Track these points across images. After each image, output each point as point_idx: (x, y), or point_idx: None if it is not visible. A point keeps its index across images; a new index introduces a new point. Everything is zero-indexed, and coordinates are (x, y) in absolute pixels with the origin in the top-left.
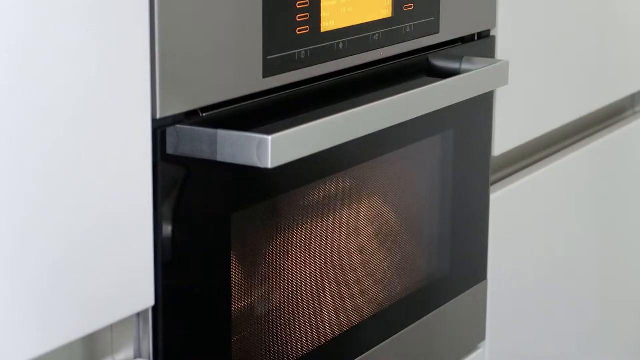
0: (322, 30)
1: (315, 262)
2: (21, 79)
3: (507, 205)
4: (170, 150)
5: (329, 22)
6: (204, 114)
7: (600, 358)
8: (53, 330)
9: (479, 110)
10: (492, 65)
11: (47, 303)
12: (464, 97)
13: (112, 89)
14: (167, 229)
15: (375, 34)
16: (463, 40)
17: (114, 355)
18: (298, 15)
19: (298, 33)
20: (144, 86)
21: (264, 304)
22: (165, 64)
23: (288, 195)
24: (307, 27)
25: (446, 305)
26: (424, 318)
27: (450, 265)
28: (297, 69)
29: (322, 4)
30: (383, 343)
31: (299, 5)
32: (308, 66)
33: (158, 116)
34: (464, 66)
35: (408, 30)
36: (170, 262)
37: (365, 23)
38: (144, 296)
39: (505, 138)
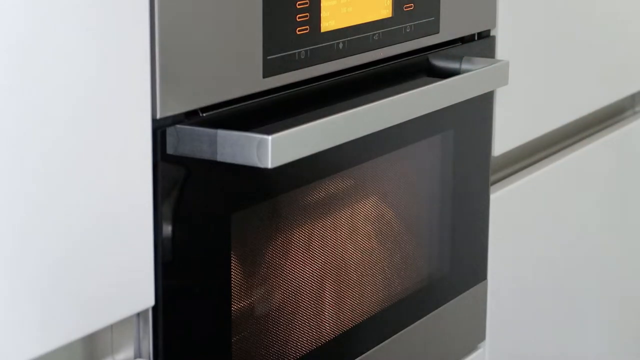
0: (322, 30)
1: (315, 262)
2: (21, 79)
3: (507, 205)
4: (170, 150)
5: (329, 22)
6: (204, 114)
7: (600, 358)
8: (53, 330)
9: (479, 110)
10: (492, 65)
11: (47, 303)
12: (464, 97)
13: (112, 89)
14: (167, 229)
15: (375, 34)
16: (463, 40)
17: (114, 355)
18: (298, 15)
19: (298, 33)
20: (144, 86)
21: (264, 304)
22: (165, 64)
23: (288, 195)
24: (307, 27)
25: (446, 305)
26: (424, 318)
27: (450, 265)
28: (297, 69)
29: (322, 4)
30: (383, 343)
31: (299, 5)
32: (308, 66)
33: (158, 116)
34: (464, 66)
35: (408, 30)
36: (170, 262)
37: (365, 23)
38: (144, 296)
39: (505, 138)
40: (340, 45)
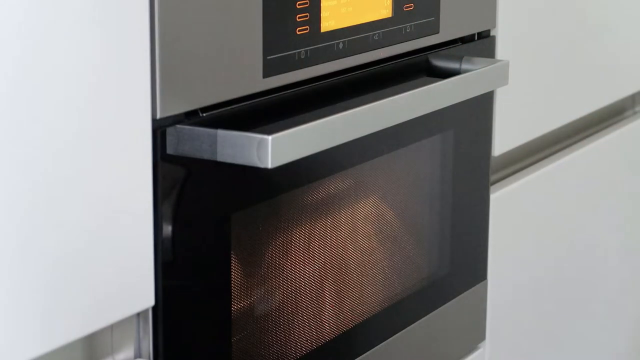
0: (322, 30)
1: (315, 262)
2: (21, 79)
3: (507, 205)
4: (170, 150)
5: (329, 22)
6: (204, 114)
7: (600, 358)
8: (53, 330)
9: (479, 110)
10: (492, 65)
11: (47, 303)
12: (464, 97)
13: (112, 89)
14: (167, 229)
15: (375, 34)
16: (463, 40)
17: (114, 355)
18: (298, 15)
19: (298, 33)
20: (144, 86)
21: (264, 304)
22: (165, 64)
23: (288, 195)
24: (307, 27)
25: (446, 305)
26: (424, 318)
27: (450, 265)
28: (297, 69)
29: (322, 4)
30: (383, 343)
31: (299, 5)
32: (308, 66)
33: (158, 116)
34: (464, 66)
35: (408, 30)
36: (170, 262)
37: (365, 23)
38: (144, 296)
39: (505, 138)
40: (340, 45)
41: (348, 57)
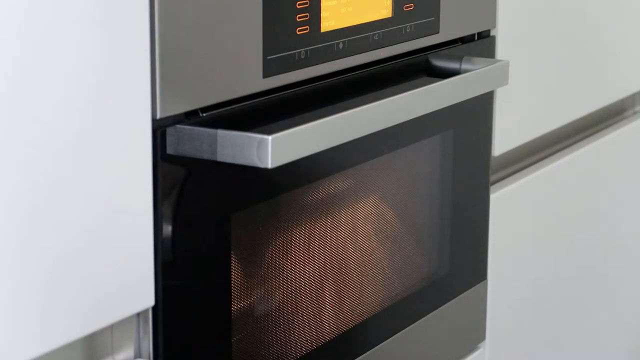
0: (322, 30)
1: (315, 262)
2: (21, 79)
3: (507, 205)
4: (170, 150)
5: (329, 22)
6: (204, 114)
7: (600, 358)
8: (53, 330)
9: (479, 110)
10: (492, 65)
11: (47, 303)
12: (464, 97)
13: (112, 89)
14: (167, 229)
15: (375, 34)
16: (463, 40)
17: (114, 355)
18: (298, 15)
19: (298, 33)
20: (144, 86)
21: (264, 304)
22: (165, 64)
23: (288, 195)
24: (307, 27)
25: (446, 305)
26: (424, 318)
27: (450, 265)
28: (297, 69)
29: (322, 4)
30: (383, 343)
31: (299, 5)
32: (308, 66)
33: (158, 116)
34: (464, 66)
35: (408, 30)
36: (170, 262)
37: (365, 23)
38: (144, 296)
39: (505, 138)
40: (340, 45)
41: (348, 57)
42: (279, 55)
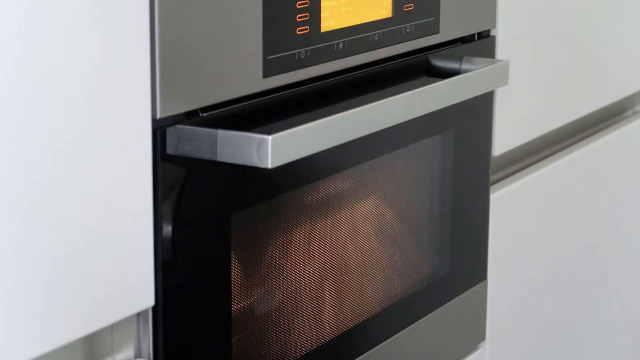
0: (322, 30)
1: (315, 262)
2: (21, 79)
3: (507, 205)
4: (170, 150)
5: (329, 22)
6: (204, 114)
7: (601, 358)
8: (53, 330)
9: (479, 110)
10: (492, 65)
11: (47, 303)
12: (464, 97)
13: (112, 89)
14: (167, 229)
15: (375, 34)
16: (463, 40)
17: (114, 355)
18: (298, 15)
19: (298, 33)
20: (144, 86)
21: (264, 304)
22: (165, 64)
23: (288, 195)
24: (307, 27)
25: (446, 305)
26: (424, 318)
27: (450, 265)
28: (297, 69)
29: (322, 4)
30: (383, 343)
31: (299, 5)
32: (308, 66)
33: (158, 116)
34: (464, 66)
35: (408, 30)
36: (170, 262)
37: (365, 23)
38: (144, 296)
39: (505, 138)
40: (340, 45)
41: (348, 57)
42: (279, 55)
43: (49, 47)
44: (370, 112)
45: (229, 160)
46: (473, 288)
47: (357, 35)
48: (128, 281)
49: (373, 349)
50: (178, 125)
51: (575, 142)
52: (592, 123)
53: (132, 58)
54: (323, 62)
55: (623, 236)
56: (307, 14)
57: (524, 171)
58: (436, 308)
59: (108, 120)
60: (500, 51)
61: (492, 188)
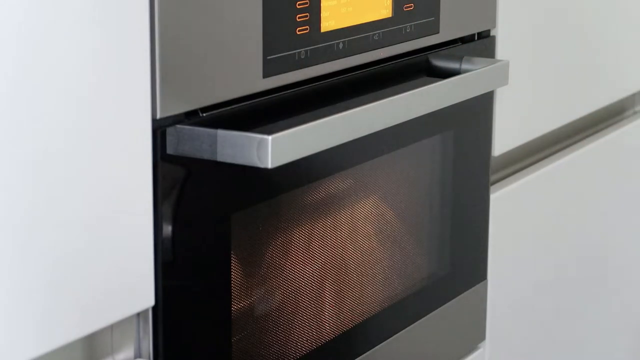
0: (322, 30)
1: (315, 262)
2: (21, 79)
3: (507, 205)
4: (170, 150)
5: (329, 22)
6: (204, 114)
7: (600, 358)
8: (53, 330)
9: (479, 110)
10: (492, 65)
11: (47, 303)
12: (464, 97)
13: (112, 89)
14: (167, 229)
15: (375, 34)
16: (463, 40)
17: (114, 355)
18: (298, 15)
19: (298, 33)
20: (144, 86)
21: (264, 304)
22: (165, 64)
23: (288, 195)
24: (307, 27)
25: (446, 305)
26: (424, 318)
27: (450, 265)
28: (297, 69)
29: (322, 4)
30: (383, 343)
31: (299, 5)
32: (308, 66)
33: (158, 116)
34: (464, 66)
35: (408, 30)
36: (170, 262)
37: (365, 23)
38: (144, 296)
39: (505, 138)
40: (340, 45)
41: (348, 57)
42: (279, 55)
43: (49, 47)
44: (370, 112)
45: (229, 160)
46: (473, 288)
47: (357, 35)
48: (128, 281)
49: (373, 349)
50: (178, 125)
51: (575, 142)
52: (592, 123)
53: (132, 58)
54: (323, 62)
55: (623, 236)
56: (307, 14)
57: (524, 171)
58: (436, 308)
59: (108, 120)
60: (500, 51)
61: (492, 188)
